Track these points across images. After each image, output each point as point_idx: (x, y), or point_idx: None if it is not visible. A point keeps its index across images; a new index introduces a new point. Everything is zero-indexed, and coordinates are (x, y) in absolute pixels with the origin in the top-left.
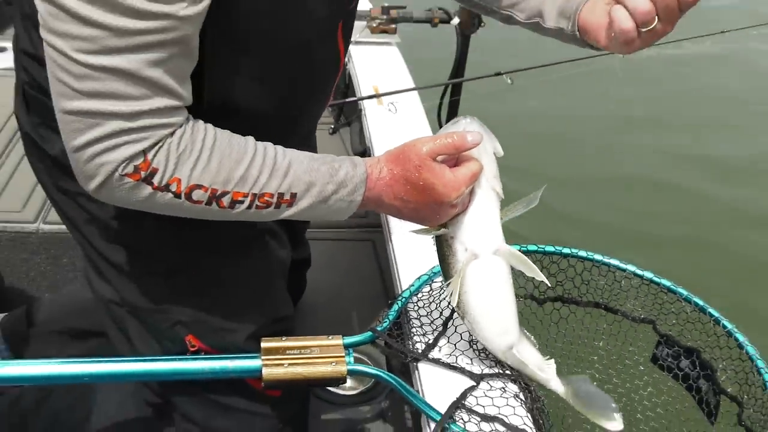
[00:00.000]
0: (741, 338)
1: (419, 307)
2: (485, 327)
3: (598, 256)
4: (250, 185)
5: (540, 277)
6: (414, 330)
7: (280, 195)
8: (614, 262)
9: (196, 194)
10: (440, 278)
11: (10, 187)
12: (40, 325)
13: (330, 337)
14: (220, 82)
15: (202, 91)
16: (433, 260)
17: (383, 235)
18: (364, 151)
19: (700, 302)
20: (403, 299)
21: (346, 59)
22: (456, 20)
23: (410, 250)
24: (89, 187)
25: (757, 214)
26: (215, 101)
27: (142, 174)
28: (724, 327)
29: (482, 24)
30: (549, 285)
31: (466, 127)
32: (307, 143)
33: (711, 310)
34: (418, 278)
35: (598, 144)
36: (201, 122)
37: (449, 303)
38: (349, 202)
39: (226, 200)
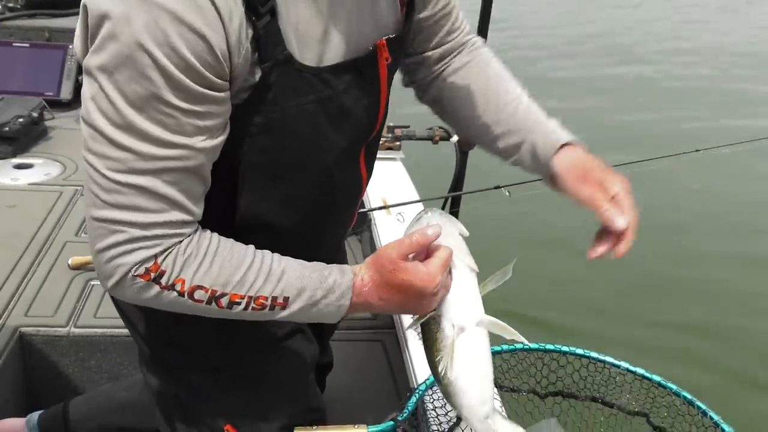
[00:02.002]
0: (727, 429)
1: (434, 399)
2: (470, 395)
3: (593, 354)
4: (246, 288)
5: (520, 338)
6: (431, 420)
7: (274, 298)
8: (609, 359)
9: (198, 294)
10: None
11: (42, 294)
12: (77, 423)
13: (356, 426)
14: (251, 203)
15: (235, 210)
16: None
17: (394, 336)
18: None
19: (689, 396)
20: (420, 391)
21: None
22: (455, 138)
23: (421, 348)
24: (106, 285)
25: None
26: (246, 218)
27: (152, 275)
28: (711, 418)
29: None
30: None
31: (428, 221)
32: (337, 253)
33: (698, 403)
34: None
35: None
36: (208, 232)
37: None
38: (337, 307)
39: (224, 301)
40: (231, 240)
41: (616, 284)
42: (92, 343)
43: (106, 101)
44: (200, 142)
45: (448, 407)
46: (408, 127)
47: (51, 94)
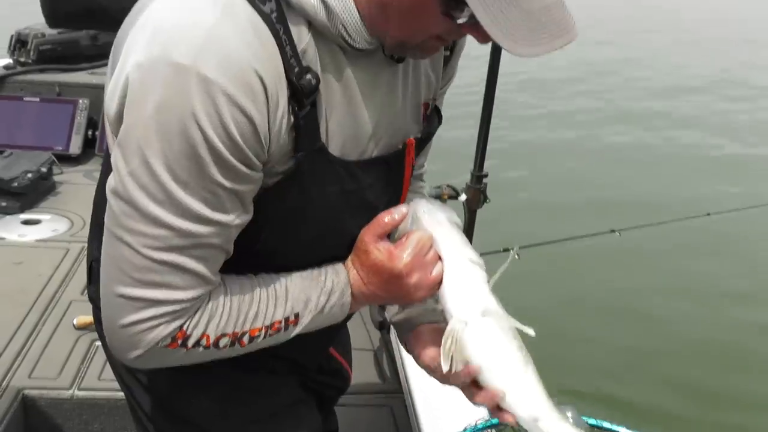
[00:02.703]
0: None
1: None
2: (507, 392)
3: (606, 424)
4: (261, 320)
5: (528, 330)
6: None
7: (287, 319)
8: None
9: (222, 341)
10: None
11: (47, 354)
12: None
13: None
14: (272, 244)
15: (257, 246)
16: (453, 425)
17: (402, 401)
18: (383, 321)
19: None
20: None
21: None
22: (463, 197)
23: (433, 415)
24: (127, 357)
25: None
26: (267, 254)
27: (179, 342)
28: None
29: (487, 200)
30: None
31: (416, 209)
32: None
33: None
34: None
35: (609, 313)
36: (218, 282)
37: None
38: (341, 306)
39: (245, 339)
40: (236, 278)
41: (628, 346)
42: (96, 405)
43: (149, 176)
44: (236, 219)
45: None
46: None
47: (60, 148)
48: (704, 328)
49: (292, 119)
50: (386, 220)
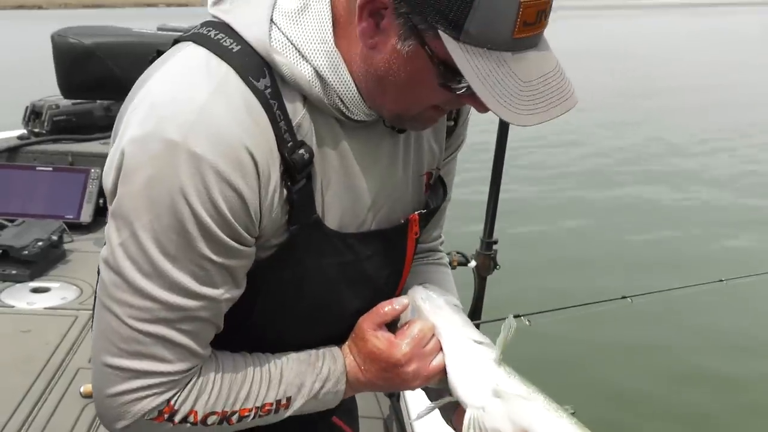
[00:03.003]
0: None
1: None
2: None
3: None
4: (253, 401)
5: (536, 398)
6: None
7: (278, 402)
8: None
9: (211, 419)
10: None
11: (53, 423)
12: None
13: None
14: (267, 317)
15: (251, 319)
16: None
17: None
18: None
19: None
20: None
21: None
22: (473, 263)
23: None
24: (114, 427)
25: None
26: (262, 327)
27: (166, 416)
28: None
29: (497, 267)
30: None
31: (414, 297)
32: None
33: None
34: None
35: (614, 378)
36: (211, 355)
37: None
38: (335, 393)
39: (234, 418)
40: (230, 355)
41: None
42: None
43: (138, 248)
44: (225, 293)
45: None
46: None
47: (71, 217)
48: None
49: (285, 193)
50: (386, 309)
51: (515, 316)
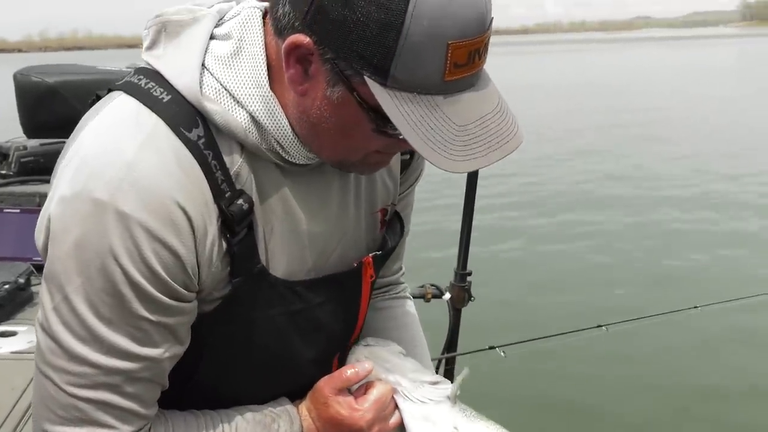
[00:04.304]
0: None
1: None
2: None
3: None
4: None
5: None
6: None
7: None
8: None
9: None
10: None
11: None
12: None
13: None
14: (217, 372)
15: (199, 375)
16: None
17: None
18: None
19: None
20: None
21: None
22: (447, 295)
23: None
24: None
25: None
26: (212, 383)
27: None
28: None
29: (472, 298)
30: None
31: (357, 358)
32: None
33: None
34: None
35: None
36: (161, 416)
37: None
38: None
39: None
40: (181, 415)
41: None
42: None
43: (71, 313)
44: (166, 352)
45: None
46: None
47: (39, 259)
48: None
49: (224, 246)
50: (348, 374)
51: (490, 348)
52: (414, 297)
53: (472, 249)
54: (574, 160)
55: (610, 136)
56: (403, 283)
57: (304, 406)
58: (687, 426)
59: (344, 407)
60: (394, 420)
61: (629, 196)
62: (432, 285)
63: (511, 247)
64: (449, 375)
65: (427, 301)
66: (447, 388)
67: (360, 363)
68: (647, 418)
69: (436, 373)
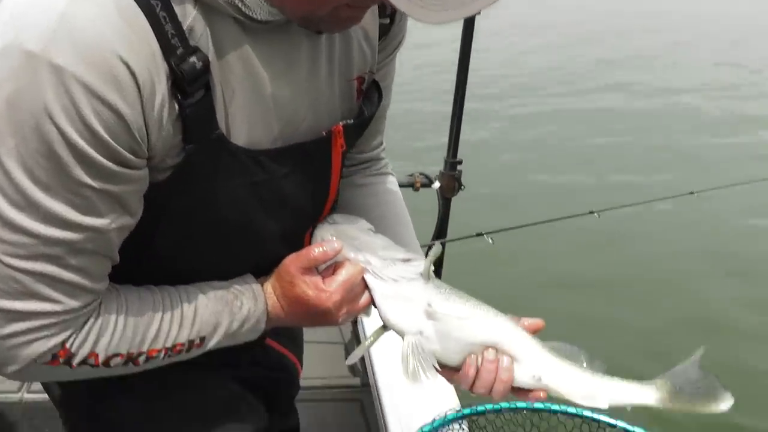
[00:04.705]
0: None
1: None
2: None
3: (587, 413)
4: (162, 341)
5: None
6: None
7: (191, 342)
8: (604, 418)
9: (114, 361)
10: None
11: None
12: None
13: None
14: (175, 247)
15: (156, 250)
16: (422, 418)
17: (371, 395)
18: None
19: None
20: None
21: None
22: (437, 184)
23: (400, 408)
24: (6, 371)
25: None
26: (170, 259)
27: (61, 360)
28: None
29: (462, 187)
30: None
31: (323, 237)
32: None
33: None
34: None
35: (582, 294)
36: (113, 291)
37: None
38: (254, 331)
39: (141, 359)
40: (136, 291)
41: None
42: (47, 409)
43: (5, 177)
44: (112, 223)
45: None
46: None
47: None
48: (692, 303)
49: (176, 108)
50: (315, 253)
51: (478, 234)
52: (402, 186)
53: (463, 137)
54: (574, 47)
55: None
56: (384, 159)
57: (269, 284)
58: (679, 304)
59: (311, 287)
60: (363, 300)
61: (626, 81)
62: (421, 174)
63: (505, 135)
64: (439, 262)
65: (416, 190)
66: (420, 264)
67: (328, 242)
68: (641, 294)
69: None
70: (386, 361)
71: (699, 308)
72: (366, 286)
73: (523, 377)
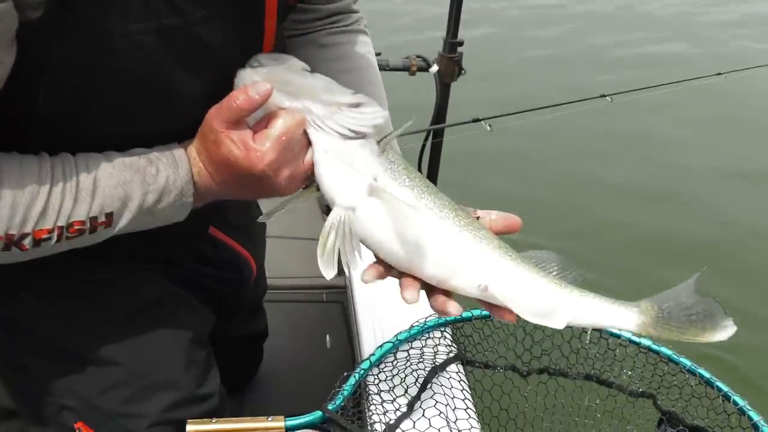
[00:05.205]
0: (755, 417)
1: (380, 380)
2: (427, 273)
3: None
4: (53, 219)
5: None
6: (374, 408)
7: (93, 219)
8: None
9: None
10: (408, 345)
11: None
12: None
13: (270, 419)
14: (64, 109)
15: (41, 113)
16: (399, 325)
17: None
18: None
19: (706, 374)
20: (362, 371)
21: None
22: (435, 68)
23: (375, 313)
24: None
25: None
26: (62, 125)
27: None
28: (735, 404)
29: (463, 72)
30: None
31: (245, 80)
32: None
33: (719, 383)
34: (380, 347)
35: (580, 180)
36: None
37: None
38: (179, 206)
39: (27, 242)
40: (18, 159)
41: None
42: None
43: None
44: None
45: (398, 392)
46: (379, 55)
47: None
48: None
49: None
50: (239, 100)
51: (474, 120)
52: (398, 69)
53: (464, 17)
54: None
55: None
56: (357, 13)
57: (193, 147)
58: (699, 195)
59: (238, 145)
60: (309, 156)
61: None
62: (418, 56)
63: (507, 20)
64: (437, 148)
65: (412, 74)
66: (372, 114)
67: (254, 84)
68: (661, 196)
69: (423, 146)
70: (365, 258)
71: (725, 213)
72: (309, 143)
73: (465, 286)
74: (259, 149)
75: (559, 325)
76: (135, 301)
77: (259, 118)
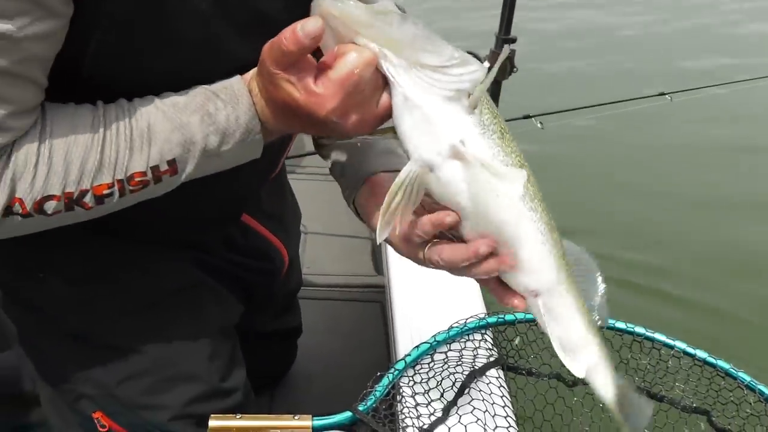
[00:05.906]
0: None
1: (415, 382)
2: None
3: (640, 329)
4: (111, 172)
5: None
6: (407, 411)
7: (154, 168)
8: (660, 337)
9: (49, 206)
10: (446, 347)
11: None
12: None
13: (297, 417)
14: (119, 72)
15: (95, 75)
16: (438, 326)
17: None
18: None
19: (767, 391)
20: (397, 372)
21: None
22: (486, 65)
23: (413, 313)
24: None
25: None
26: (115, 90)
27: None
28: None
29: (515, 70)
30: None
31: (321, 6)
32: None
33: None
34: (417, 347)
35: (630, 183)
36: (31, 114)
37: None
38: (249, 145)
39: (89, 199)
40: (70, 112)
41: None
42: None
43: None
44: (26, 27)
45: (433, 395)
46: None
47: None
48: None
49: None
50: (287, 41)
51: (525, 117)
52: None
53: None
54: None
55: None
56: None
57: (255, 81)
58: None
59: (298, 89)
60: (384, 100)
61: None
62: (469, 52)
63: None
64: None
65: None
66: (464, 75)
67: (305, 21)
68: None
69: None
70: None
71: None
72: (385, 83)
73: (520, 283)
74: (320, 93)
75: (580, 373)
76: (160, 288)
77: (329, 48)
